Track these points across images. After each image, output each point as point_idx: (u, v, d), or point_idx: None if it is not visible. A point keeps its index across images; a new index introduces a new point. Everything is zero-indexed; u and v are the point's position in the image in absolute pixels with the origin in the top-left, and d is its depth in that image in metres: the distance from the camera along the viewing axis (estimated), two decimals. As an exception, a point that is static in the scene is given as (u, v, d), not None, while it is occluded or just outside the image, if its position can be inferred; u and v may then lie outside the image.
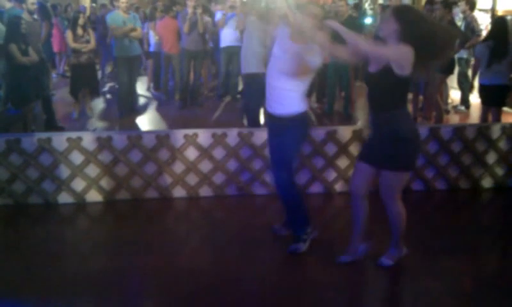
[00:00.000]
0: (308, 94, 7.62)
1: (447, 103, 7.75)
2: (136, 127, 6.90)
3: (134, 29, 7.19)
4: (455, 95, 8.46)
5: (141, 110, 7.79)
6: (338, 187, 4.72)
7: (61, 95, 8.61)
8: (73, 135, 4.47)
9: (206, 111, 7.93)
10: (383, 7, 9.04)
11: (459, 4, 8.04)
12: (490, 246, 3.90)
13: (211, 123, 6.97)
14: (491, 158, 4.86)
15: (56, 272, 3.41)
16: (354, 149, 4.66)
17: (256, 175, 4.63)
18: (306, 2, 3.43)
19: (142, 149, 4.48)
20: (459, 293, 3.19)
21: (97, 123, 7.09)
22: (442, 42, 3.02)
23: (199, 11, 7.71)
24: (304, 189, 4.67)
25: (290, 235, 3.69)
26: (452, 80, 8.16)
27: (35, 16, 7.02)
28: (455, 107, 8.06)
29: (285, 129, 3.44)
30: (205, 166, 4.57)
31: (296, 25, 3.31)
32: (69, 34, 6.85)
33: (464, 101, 7.98)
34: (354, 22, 7.26)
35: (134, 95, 7.71)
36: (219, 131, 4.58)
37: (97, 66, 9.09)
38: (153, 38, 8.95)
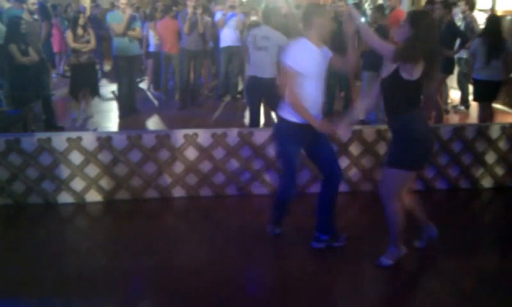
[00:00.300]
0: None
1: (446, 103, 7.75)
2: (135, 127, 6.89)
3: (134, 21, 7.19)
4: (455, 95, 8.46)
5: (141, 110, 7.78)
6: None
7: (61, 95, 8.61)
8: (73, 135, 4.47)
9: (206, 111, 7.93)
10: (377, 7, 9.02)
11: (459, 4, 8.03)
12: (490, 246, 3.90)
13: (211, 122, 6.97)
14: (490, 158, 4.86)
15: (55, 271, 3.41)
16: (354, 149, 4.66)
17: (256, 175, 4.63)
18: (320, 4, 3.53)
19: (142, 149, 4.48)
20: (459, 293, 3.19)
21: (97, 123, 7.09)
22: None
23: (199, 11, 7.71)
24: (304, 189, 4.67)
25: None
26: (452, 80, 8.16)
27: (35, 16, 7.02)
28: (455, 107, 8.06)
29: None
30: (205, 166, 4.57)
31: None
32: (69, 34, 6.85)
33: (464, 101, 7.98)
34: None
35: (133, 95, 7.70)
36: (219, 131, 4.58)
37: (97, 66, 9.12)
38: (153, 38, 8.94)
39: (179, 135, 4.51)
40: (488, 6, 8.74)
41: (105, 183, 4.52)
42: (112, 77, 10.07)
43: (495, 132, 4.82)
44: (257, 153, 4.58)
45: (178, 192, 4.62)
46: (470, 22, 7.52)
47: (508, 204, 4.71)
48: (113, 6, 11.10)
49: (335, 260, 3.46)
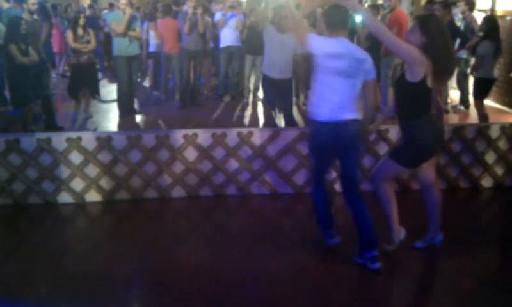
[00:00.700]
0: (296, 95, 7.70)
1: (446, 103, 7.75)
2: (135, 127, 6.90)
3: (134, 21, 7.19)
4: (454, 95, 8.46)
5: (141, 110, 7.79)
6: (339, 187, 4.71)
7: (60, 95, 8.61)
8: (73, 135, 4.47)
9: (206, 111, 7.93)
10: (372, 6, 9.03)
11: (459, 4, 8.04)
12: (490, 246, 3.90)
13: (211, 122, 6.97)
14: (490, 157, 4.86)
15: (55, 271, 3.42)
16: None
17: (256, 175, 4.63)
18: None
19: (141, 149, 4.48)
20: (458, 292, 3.19)
21: (97, 123, 7.09)
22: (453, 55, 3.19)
23: (199, 11, 7.71)
24: (304, 189, 4.68)
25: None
26: (452, 80, 8.17)
27: (35, 16, 7.02)
28: (454, 106, 8.06)
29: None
30: (205, 166, 4.57)
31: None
32: (69, 34, 6.85)
33: (464, 101, 7.98)
34: (353, 22, 7.27)
35: (133, 95, 7.70)
36: (218, 131, 4.58)
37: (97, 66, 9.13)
38: (153, 38, 8.94)
39: (179, 135, 4.51)
40: (488, 6, 8.74)
41: (105, 183, 4.52)
42: (112, 77, 10.08)
43: (494, 131, 4.83)
44: (257, 153, 4.58)
45: (178, 192, 4.62)
46: (470, 22, 7.52)
47: (508, 204, 4.71)
48: (111, 6, 11.12)
49: (334, 259, 3.46)
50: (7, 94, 6.80)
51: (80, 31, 6.86)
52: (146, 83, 9.79)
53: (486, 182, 4.91)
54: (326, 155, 3.45)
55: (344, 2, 3.21)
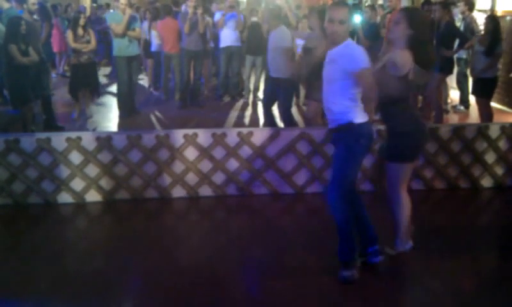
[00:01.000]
0: (296, 95, 7.70)
1: (446, 103, 7.76)
2: (135, 127, 6.89)
3: (134, 22, 7.20)
4: (454, 95, 8.46)
5: (141, 110, 7.78)
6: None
7: (60, 95, 8.61)
8: (73, 135, 4.47)
9: (206, 111, 7.93)
10: (370, 6, 9.02)
11: (458, 4, 8.04)
12: (490, 246, 3.90)
13: (211, 122, 6.97)
14: (490, 157, 4.86)
15: (55, 271, 3.41)
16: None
17: (256, 175, 4.63)
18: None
19: (141, 149, 4.48)
20: (459, 293, 3.19)
21: (97, 123, 7.09)
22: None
23: (199, 11, 7.71)
24: (304, 189, 4.68)
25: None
26: (452, 80, 8.17)
27: (35, 16, 7.02)
28: (454, 106, 8.06)
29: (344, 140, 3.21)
30: (205, 166, 4.57)
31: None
32: (70, 34, 6.85)
33: (464, 101, 7.98)
34: (352, 23, 7.27)
35: (133, 95, 7.70)
36: (218, 131, 4.58)
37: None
38: (155, 38, 8.93)
39: (179, 135, 4.51)
40: (488, 7, 8.74)
41: (105, 183, 4.52)
42: (112, 77, 10.09)
43: (494, 131, 4.83)
44: (257, 153, 4.57)
45: (178, 192, 4.62)
46: (470, 23, 7.52)
47: (507, 204, 4.71)
48: (108, 6, 11.12)
49: (333, 259, 3.45)
50: (6, 94, 6.81)
51: (80, 31, 6.86)
52: (146, 83, 9.78)
53: (486, 182, 4.91)
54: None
55: None
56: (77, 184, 4.49)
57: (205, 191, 4.63)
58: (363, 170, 4.69)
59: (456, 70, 7.54)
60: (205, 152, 4.53)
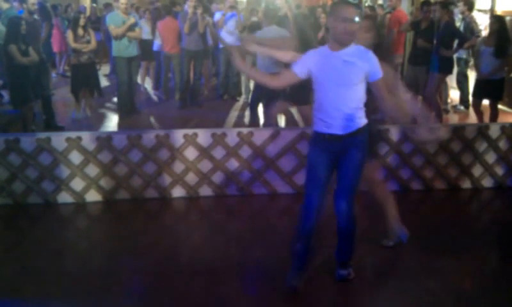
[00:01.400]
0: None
1: (446, 103, 7.76)
2: (135, 127, 6.89)
3: (135, 24, 7.19)
4: (454, 95, 8.46)
5: (141, 110, 7.78)
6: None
7: (60, 95, 8.61)
8: (73, 135, 4.47)
9: (206, 111, 7.93)
10: (370, 6, 9.04)
11: (458, 4, 8.04)
12: (490, 246, 3.89)
13: (211, 122, 6.97)
14: (490, 157, 4.86)
15: (55, 271, 3.41)
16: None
17: (256, 175, 4.63)
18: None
19: (142, 149, 4.47)
20: (459, 293, 3.19)
21: (97, 123, 7.09)
22: None
23: (199, 11, 7.71)
24: (303, 189, 4.66)
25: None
26: (452, 80, 8.16)
27: (35, 16, 7.02)
28: (454, 106, 8.06)
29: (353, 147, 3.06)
30: (205, 166, 4.57)
31: None
32: (70, 34, 6.86)
33: (464, 101, 7.98)
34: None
35: (133, 95, 7.70)
36: (218, 131, 4.58)
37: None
38: (157, 38, 8.91)
39: (179, 135, 4.51)
40: (487, 7, 8.74)
41: (105, 183, 4.52)
42: (111, 77, 10.08)
43: (494, 131, 4.82)
44: (257, 153, 4.57)
45: (177, 192, 4.62)
46: (470, 23, 7.52)
47: (508, 204, 4.71)
48: (107, 6, 11.10)
49: (331, 258, 3.45)
50: (4, 93, 6.81)
51: (80, 31, 6.86)
52: (147, 83, 9.78)
53: (487, 182, 4.91)
54: None
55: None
56: (77, 184, 4.49)
57: (205, 191, 4.63)
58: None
59: (455, 70, 7.54)
60: (205, 152, 4.53)
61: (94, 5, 13.38)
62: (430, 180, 4.80)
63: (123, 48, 7.18)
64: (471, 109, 7.74)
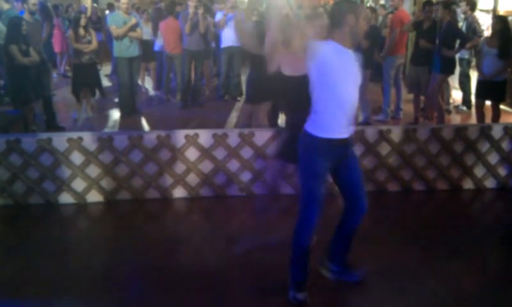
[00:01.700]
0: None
1: (448, 104, 7.73)
2: (136, 127, 6.89)
3: (136, 25, 7.18)
4: (456, 95, 8.43)
5: (142, 110, 7.77)
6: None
7: (61, 95, 8.60)
8: (74, 135, 4.46)
9: (207, 111, 7.92)
10: (370, 8, 9.00)
11: (460, 4, 8.02)
12: (492, 247, 3.88)
13: (212, 123, 6.96)
14: (493, 158, 4.83)
15: (56, 272, 3.40)
16: (356, 149, 4.64)
17: (258, 176, 4.61)
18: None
19: (143, 150, 4.46)
20: (462, 294, 3.17)
21: (98, 123, 7.08)
22: None
23: (200, 11, 7.69)
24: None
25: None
26: (454, 81, 8.14)
27: (36, 16, 7.02)
28: (457, 107, 8.03)
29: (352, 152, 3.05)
30: (206, 166, 4.55)
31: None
32: (71, 35, 6.85)
33: (466, 101, 7.96)
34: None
35: (134, 95, 7.69)
36: (220, 131, 4.56)
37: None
38: (159, 38, 8.90)
39: (180, 136, 4.49)
40: (490, 7, 8.72)
41: (106, 183, 4.51)
42: (112, 77, 10.08)
43: (497, 132, 4.80)
44: (258, 154, 4.56)
45: (179, 192, 4.60)
46: (472, 23, 7.50)
47: (511, 205, 4.69)
48: (110, 6, 11.10)
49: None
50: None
51: (81, 31, 6.85)
52: (147, 84, 9.77)
53: (489, 183, 4.88)
54: None
55: None
56: (78, 184, 4.48)
57: (206, 191, 4.61)
58: (366, 171, 4.68)
59: (458, 70, 7.51)
60: (206, 153, 4.51)
61: (95, 5, 13.38)
62: (432, 181, 4.78)
63: (124, 49, 7.17)
64: (473, 110, 7.73)
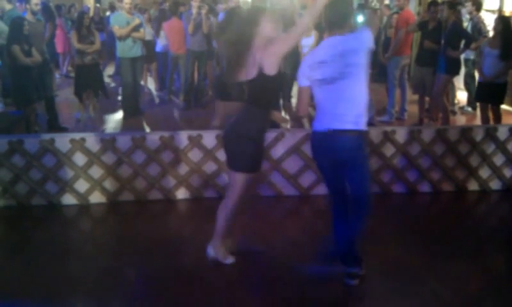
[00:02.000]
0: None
1: (453, 104, 7.69)
2: (139, 128, 6.87)
3: (139, 25, 7.17)
4: (462, 96, 8.39)
5: (145, 111, 7.76)
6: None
7: (64, 96, 8.60)
8: (77, 136, 4.45)
9: (210, 112, 7.88)
10: (373, 9, 8.96)
11: (466, 4, 7.97)
12: (497, 249, 3.84)
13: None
14: (498, 159, 4.79)
15: (59, 273, 3.39)
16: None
17: (261, 176, 4.58)
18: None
19: (146, 151, 4.44)
20: (467, 297, 3.14)
21: (101, 124, 7.07)
22: None
23: (204, 11, 7.67)
24: (310, 190, 4.63)
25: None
26: (459, 82, 8.09)
27: (38, 16, 7.01)
28: (462, 108, 7.99)
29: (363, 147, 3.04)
30: (209, 167, 4.53)
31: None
32: (74, 35, 6.84)
33: (471, 102, 7.90)
34: (355, 23, 7.21)
35: (137, 96, 7.68)
36: (223, 132, 4.53)
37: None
38: (162, 39, 8.88)
39: (183, 137, 4.47)
40: (495, 7, 8.67)
41: (109, 184, 4.49)
42: (115, 77, 10.07)
43: (503, 133, 4.76)
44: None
45: (182, 193, 4.58)
46: (477, 23, 7.45)
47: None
48: (112, 6, 11.10)
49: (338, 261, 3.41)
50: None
51: (84, 32, 6.84)
52: (150, 84, 9.76)
53: (494, 184, 4.84)
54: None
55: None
56: (81, 185, 4.46)
57: (210, 193, 4.59)
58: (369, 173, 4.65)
59: (463, 71, 7.46)
60: (209, 154, 4.49)
61: (97, 5, 13.39)
62: (437, 182, 4.75)
63: (127, 49, 7.16)
64: (478, 111, 7.68)
